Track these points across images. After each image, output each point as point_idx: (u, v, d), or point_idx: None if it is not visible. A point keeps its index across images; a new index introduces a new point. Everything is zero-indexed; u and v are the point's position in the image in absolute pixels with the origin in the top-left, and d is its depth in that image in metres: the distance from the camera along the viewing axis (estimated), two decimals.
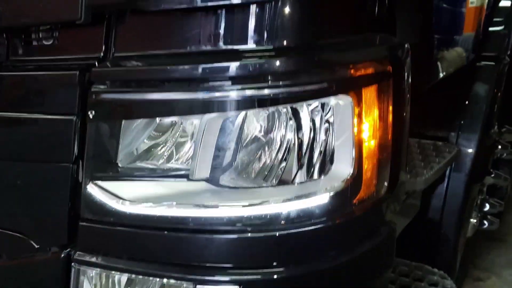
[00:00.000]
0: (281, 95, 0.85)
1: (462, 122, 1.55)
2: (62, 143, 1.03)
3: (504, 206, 2.96)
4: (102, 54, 1.01)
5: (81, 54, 1.04)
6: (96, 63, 1.01)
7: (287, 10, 0.85)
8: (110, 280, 1.08)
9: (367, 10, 0.95)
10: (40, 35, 1.10)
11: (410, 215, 1.28)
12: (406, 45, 0.98)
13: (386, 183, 1.00)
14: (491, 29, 1.62)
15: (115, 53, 1.00)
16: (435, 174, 1.35)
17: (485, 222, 2.19)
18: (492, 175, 2.11)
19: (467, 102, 1.58)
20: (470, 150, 1.52)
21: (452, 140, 1.56)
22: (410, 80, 1.00)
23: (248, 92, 0.84)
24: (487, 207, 2.11)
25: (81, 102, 0.99)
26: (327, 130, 0.97)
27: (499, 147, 2.10)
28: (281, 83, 0.83)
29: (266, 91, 0.84)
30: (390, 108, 0.95)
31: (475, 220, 2.16)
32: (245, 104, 0.87)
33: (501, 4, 1.66)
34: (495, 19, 1.65)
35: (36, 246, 1.15)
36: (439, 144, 1.55)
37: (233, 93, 0.85)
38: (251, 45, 0.87)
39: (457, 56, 1.36)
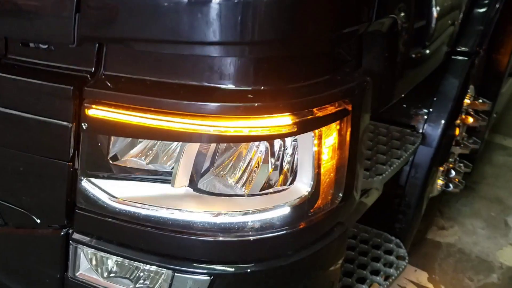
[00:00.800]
0: (250, 133, 0.98)
1: (429, 112, 1.68)
2: (60, 144, 1.16)
3: (478, 157, 3.15)
4: (93, 69, 1.11)
5: (74, 64, 1.14)
6: (89, 77, 1.12)
7: (261, 61, 0.97)
8: (103, 259, 1.27)
9: (334, 53, 1.05)
10: None
11: (369, 203, 1.45)
12: (368, 79, 1.09)
13: (341, 194, 1.16)
14: (467, 25, 1.70)
15: (105, 71, 1.10)
16: (394, 171, 1.51)
17: (451, 185, 2.38)
18: (461, 146, 2.27)
19: (436, 93, 1.69)
20: (433, 140, 1.67)
21: (419, 127, 1.70)
22: (368, 109, 1.12)
23: (223, 130, 0.97)
24: (453, 173, 2.29)
25: (75, 113, 1.11)
26: (294, 148, 1.11)
27: (471, 119, 2.24)
28: (251, 124, 0.96)
29: (238, 130, 0.97)
30: (348, 135, 1.09)
31: (441, 183, 2.35)
32: (217, 139, 1.00)
33: (478, 2, 1.73)
34: (472, 16, 1.72)
35: (38, 221, 1.32)
36: (406, 132, 1.69)
37: (209, 129, 0.98)
38: (230, 85, 0.99)
39: (429, 63, 1.45)
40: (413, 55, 1.29)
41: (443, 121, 1.68)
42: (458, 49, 1.70)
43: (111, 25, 0.99)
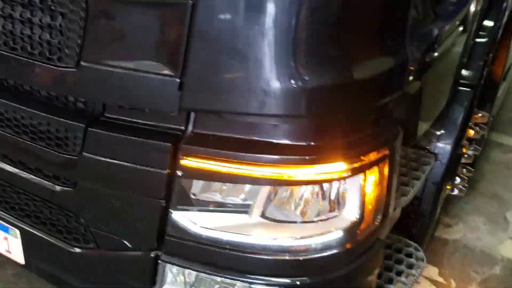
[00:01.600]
0: (309, 178, 1.30)
1: (440, 135, 1.99)
2: (155, 186, 1.45)
3: (477, 159, 3.43)
4: (184, 127, 1.41)
5: (166, 123, 1.43)
6: (181, 134, 1.41)
7: (316, 125, 1.29)
8: (187, 274, 1.57)
9: (375, 114, 1.36)
10: None
11: (397, 217, 1.77)
12: (399, 129, 1.40)
13: (379, 217, 1.47)
14: (470, 62, 2.00)
15: (194, 129, 1.40)
16: (415, 191, 1.82)
17: (455, 189, 2.69)
18: (465, 156, 2.58)
19: (445, 120, 2.00)
20: (444, 158, 1.98)
21: (432, 148, 2.01)
22: (400, 150, 1.43)
23: (290, 176, 1.29)
24: (457, 180, 2.60)
25: (170, 163, 1.41)
26: (342, 184, 1.42)
27: (472, 132, 2.55)
28: (313, 170, 1.28)
29: (300, 177, 1.30)
30: (386, 172, 1.39)
31: (448, 188, 2.66)
32: (287, 183, 1.32)
33: (478, 41, 2.04)
34: (472, 54, 2.03)
35: (129, 245, 1.61)
36: (421, 153, 2.00)
37: (282, 176, 1.29)
38: (293, 141, 1.30)
39: (442, 104, 1.76)
40: (433, 102, 1.60)
41: (451, 142, 2.00)
42: (463, 82, 2.01)
43: (206, 100, 1.29)
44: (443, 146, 1.99)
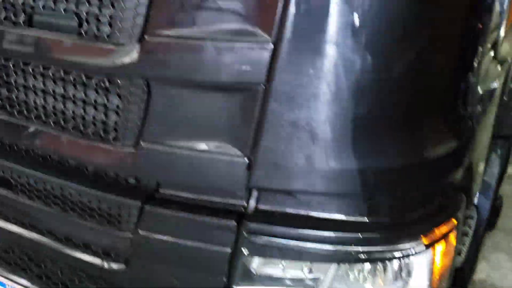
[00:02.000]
0: (380, 256, 1.30)
1: (480, 184, 2.00)
2: (218, 263, 1.41)
3: None
4: (245, 203, 1.39)
5: (226, 199, 1.41)
6: (243, 209, 1.39)
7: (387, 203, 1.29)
8: None
9: (444, 187, 1.38)
10: None
11: None
12: (463, 197, 1.41)
13: (445, 283, 1.46)
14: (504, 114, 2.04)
15: (257, 204, 1.38)
16: (467, 249, 1.82)
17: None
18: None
19: (484, 169, 2.02)
20: (485, 209, 1.99)
21: (473, 198, 2.02)
22: (464, 215, 1.43)
23: (355, 254, 1.29)
24: None
25: (234, 240, 1.38)
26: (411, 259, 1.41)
27: None
28: (380, 248, 1.28)
29: (371, 255, 1.29)
30: (453, 241, 1.39)
31: None
32: (349, 259, 1.32)
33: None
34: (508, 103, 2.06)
35: None
36: None
37: (347, 254, 1.29)
38: (362, 218, 1.30)
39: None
40: (481, 160, 1.62)
41: (491, 193, 2.01)
42: (499, 133, 2.03)
43: (274, 180, 1.28)
44: (483, 198, 2.00)
